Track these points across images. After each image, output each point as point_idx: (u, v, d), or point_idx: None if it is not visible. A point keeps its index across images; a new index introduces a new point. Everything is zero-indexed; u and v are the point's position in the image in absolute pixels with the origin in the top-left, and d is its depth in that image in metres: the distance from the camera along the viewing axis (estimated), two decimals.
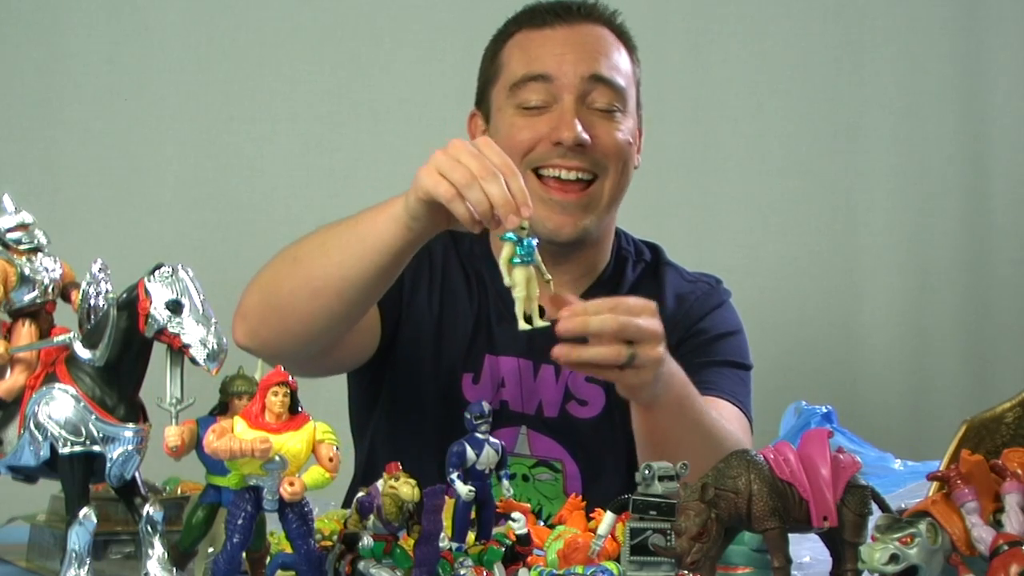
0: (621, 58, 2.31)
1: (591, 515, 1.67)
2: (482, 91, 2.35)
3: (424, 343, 2.31)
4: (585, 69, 2.25)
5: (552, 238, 2.23)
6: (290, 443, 1.42)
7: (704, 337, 2.36)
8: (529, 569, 1.59)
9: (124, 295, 1.46)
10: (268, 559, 1.53)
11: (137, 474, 1.50)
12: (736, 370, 2.35)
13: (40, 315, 1.54)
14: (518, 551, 1.61)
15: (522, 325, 1.83)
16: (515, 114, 2.26)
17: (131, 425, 1.47)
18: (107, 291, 1.47)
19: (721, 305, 2.42)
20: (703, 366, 2.28)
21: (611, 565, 1.56)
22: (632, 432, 2.18)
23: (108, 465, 1.47)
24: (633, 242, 2.44)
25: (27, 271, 1.52)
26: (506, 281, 1.80)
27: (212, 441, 1.39)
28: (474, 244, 2.36)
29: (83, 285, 1.48)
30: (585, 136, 2.21)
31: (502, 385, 2.28)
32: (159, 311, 1.44)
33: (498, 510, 1.65)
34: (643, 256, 2.44)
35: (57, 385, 1.47)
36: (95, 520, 1.47)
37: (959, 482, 1.47)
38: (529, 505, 1.71)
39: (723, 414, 2.20)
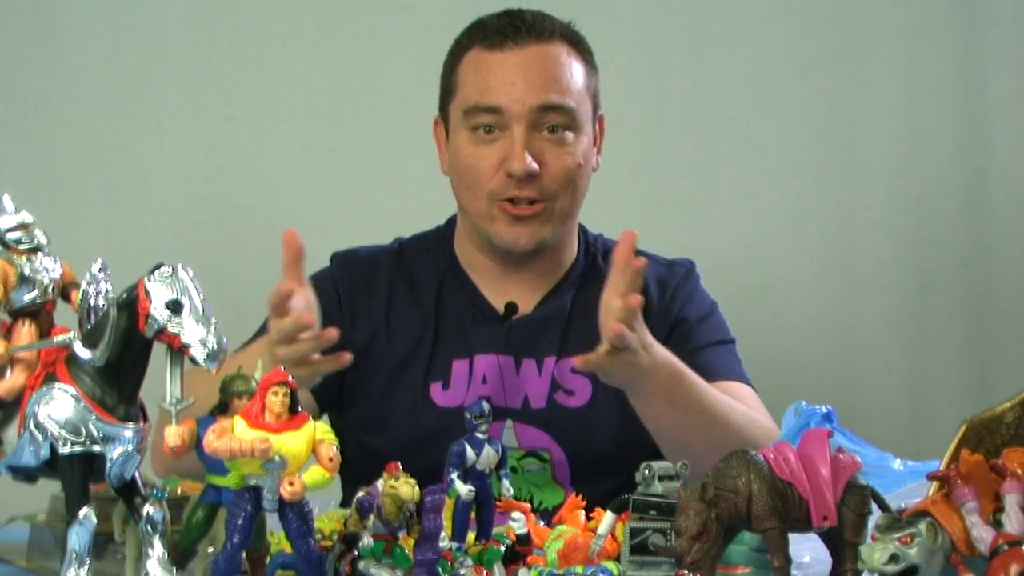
0: (573, 75, 2.34)
1: (591, 515, 1.67)
2: (443, 101, 2.40)
3: (377, 370, 2.36)
4: (535, 99, 2.29)
5: (510, 248, 2.33)
6: (290, 443, 1.42)
7: (690, 322, 2.41)
8: (529, 569, 1.59)
9: (124, 295, 1.46)
10: (268, 559, 1.53)
11: (137, 474, 1.51)
12: (725, 346, 2.43)
13: (40, 315, 1.54)
14: (518, 551, 1.61)
15: None
16: (469, 139, 2.32)
17: (131, 425, 1.47)
18: (107, 291, 1.47)
19: (697, 287, 2.48)
20: (694, 352, 2.34)
21: (611, 565, 1.56)
22: (620, 419, 2.30)
23: (108, 465, 1.47)
24: (600, 238, 2.49)
25: (27, 271, 1.52)
26: None
27: (212, 441, 1.40)
28: (429, 256, 2.43)
29: (83, 285, 1.48)
30: (535, 167, 2.28)
31: (484, 382, 2.32)
32: (159, 311, 1.44)
33: (498, 510, 1.65)
34: (612, 248, 2.47)
35: (57, 385, 1.47)
36: (95, 520, 1.47)
37: (959, 482, 1.47)
38: (529, 505, 1.71)
39: (736, 395, 2.29)
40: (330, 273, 2.43)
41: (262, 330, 2.23)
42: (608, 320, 2.04)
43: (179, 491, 1.75)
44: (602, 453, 2.32)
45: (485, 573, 1.55)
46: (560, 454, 2.32)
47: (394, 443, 2.28)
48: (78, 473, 1.46)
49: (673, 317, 2.41)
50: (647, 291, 2.37)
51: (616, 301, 2.04)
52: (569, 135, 2.31)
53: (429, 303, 2.39)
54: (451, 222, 2.48)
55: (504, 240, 2.32)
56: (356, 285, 2.41)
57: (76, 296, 1.50)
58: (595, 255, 2.46)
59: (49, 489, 1.72)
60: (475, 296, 2.40)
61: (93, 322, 1.47)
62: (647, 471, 1.55)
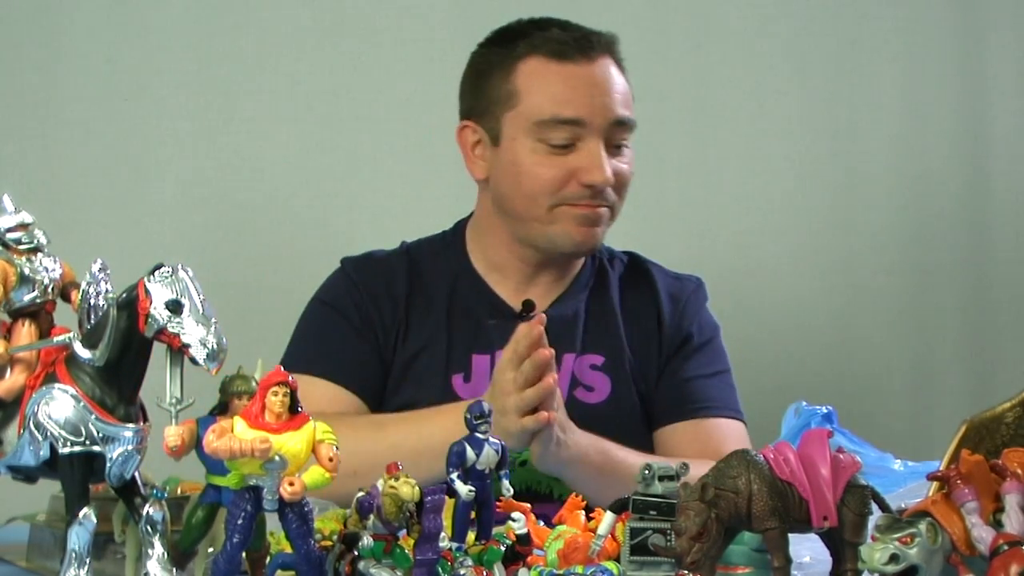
0: (629, 90, 2.40)
1: (591, 515, 1.67)
2: (485, 108, 2.38)
3: (396, 366, 2.40)
4: (612, 114, 2.34)
5: (575, 249, 2.37)
6: (290, 443, 1.42)
7: (692, 345, 2.47)
8: (529, 569, 1.59)
9: (124, 295, 1.46)
10: (268, 559, 1.53)
11: (137, 474, 1.50)
12: (721, 376, 2.48)
13: (40, 315, 1.54)
14: (518, 551, 1.61)
15: None
16: (539, 150, 2.33)
17: (131, 425, 1.47)
18: (107, 291, 1.47)
19: (704, 306, 2.53)
20: (691, 380, 2.43)
21: (611, 565, 1.56)
22: (636, 417, 2.39)
23: (108, 465, 1.47)
24: (605, 246, 2.51)
25: (27, 271, 1.52)
26: None
27: (212, 441, 1.39)
28: (438, 259, 2.46)
29: (83, 285, 1.48)
30: (612, 179, 2.32)
31: None
32: (159, 311, 1.44)
33: (498, 510, 1.65)
34: (617, 256, 2.54)
35: (57, 385, 1.47)
36: (95, 520, 1.47)
37: (959, 482, 1.47)
38: (528, 505, 1.71)
39: (723, 433, 2.38)
40: (347, 275, 2.45)
41: (322, 368, 2.33)
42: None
43: (179, 491, 1.75)
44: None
45: (485, 573, 1.55)
46: None
47: None
48: (78, 473, 1.46)
49: (683, 333, 2.47)
50: (658, 302, 2.46)
51: (529, 392, 2.08)
52: (627, 147, 2.38)
53: (441, 302, 2.42)
54: (458, 229, 2.50)
55: (573, 239, 2.35)
56: (376, 289, 2.42)
57: (76, 296, 1.50)
58: (601, 259, 2.50)
59: (49, 489, 1.72)
60: (490, 296, 2.43)
61: (93, 322, 1.47)
62: (647, 471, 1.55)
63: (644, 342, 2.45)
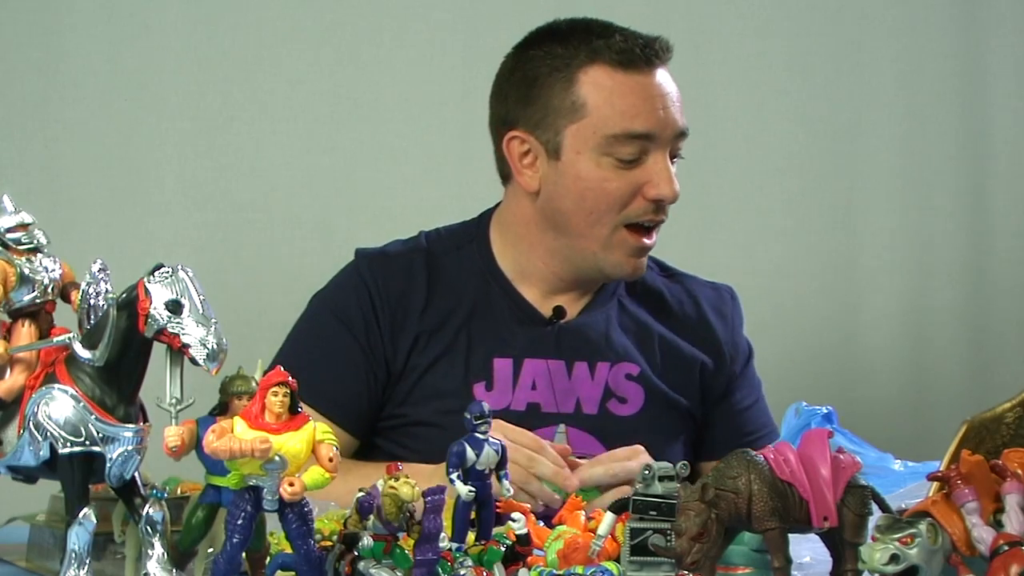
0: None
1: (591, 515, 1.67)
2: (541, 119, 2.27)
3: (416, 371, 2.32)
4: (677, 127, 2.29)
5: (622, 279, 2.34)
6: (290, 443, 1.42)
7: (745, 366, 2.46)
8: (529, 569, 1.59)
9: (124, 295, 1.46)
10: (268, 559, 1.53)
11: (137, 474, 1.50)
12: (761, 396, 2.49)
13: (40, 315, 1.54)
14: (518, 551, 1.61)
15: None
16: (604, 164, 2.24)
17: (131, 425, 1.47)
18: (107, 291, 1.47)
19: (743, 320, 2.50)
20: (751, 409, 2.45)
21: (611, 565, 1.56)
22: (668, 430, 2.34)
23: (108, 465, 1.47)
24: None
25: (27, 271, 1.52)
26: None
27: (212, 441, 1.39)
28: (461, 252, 2.38)
29: (83, 285, 1.48)
30: (679, 193, 2.29)
31: (533, 388, 2.30)
32: (159, 311, 1.44)
33: (498, 510, 1.65)
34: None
35: (57, 385, 1.47)
36: (95, 520, 1.47)
37: (959, 482, 1.47)
38: (528, 506, 1.70)
39: None
40: (359, 275, 2.35)
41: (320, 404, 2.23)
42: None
43: (179, 491, 1.75)
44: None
45: (485, 573, 1.55)
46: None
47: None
48: (78, 473, 1.46)
49: (741, 356, 2.46)
50: (706, 319, 2.43)
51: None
52: (682, 157, 2.34)
53: (464, 305, 2.33)
54: (483, 223, 2.41)
55: (624, 271, 2.29)
56: (391, 287, 2.33)
57: (76, 296, 1.50)
58: None
59: (49, 489, 1.72)
60: (517, 299, 2.35)
61: (93, 322, 1.47)
62: (647, 471, 1.55)
63: (684, 355, 2.39)
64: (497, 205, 2.42)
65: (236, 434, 1.40)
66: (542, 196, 2.30)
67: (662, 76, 2.28)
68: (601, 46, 2.26)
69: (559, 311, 2.34)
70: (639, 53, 2.25)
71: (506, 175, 2.36)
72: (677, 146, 2.31)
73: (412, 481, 1.49)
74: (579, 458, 2.23)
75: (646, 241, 2.28)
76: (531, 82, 2.29)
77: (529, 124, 2.28)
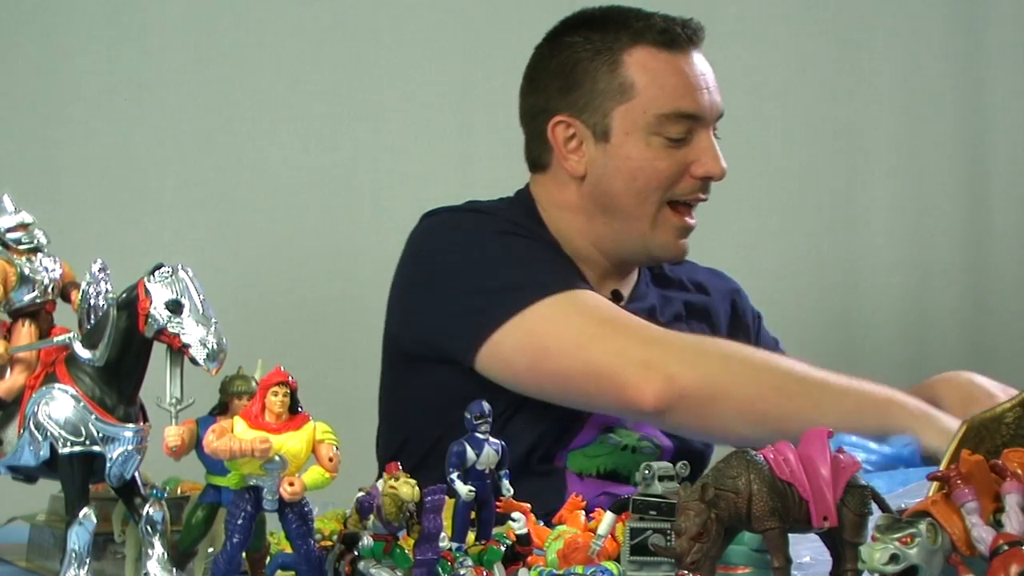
0: None
1: (591, 515, 1.67)
2: (588, 102, 2.29)
3: None
4: (719, 107, 2.32)
5: (668, 260, 2.39)
6: (290, 443, 1.42)
7: (753, 314, 2.58)
8: (529, 569, 1.59)
9: (124, 295, 1.46)
10: (268, 559, 1.53)
11: (137, 474, 1.50)
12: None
13: (40, 315, 1.54)
14: (518, 551, 1.61)
15: None
16: (654, 144, 2.26)
17: (131, 425, 1.47)
18: (107, 291, 1.47)
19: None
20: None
21: (611, 565, 1.56)
22: None
23: (108, 465, 1.47)
24: None
25: (27, 271, 1.52)
26: None
27: (212, 441, 1.39)
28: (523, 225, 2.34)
29: (83, 285, 1.48)
30: (726, 170, 2.32)
31: None
32: (159, 311, 1.44)
33: (498, 510, 1.65)
34: None
35: (57, 385, 1.47)
36: (95, 520, 1.47)
37: (959, 482, 1.47)
38: (528, 506, 1.71)
39: None
40: (491, 215, 2.32)
41: None
42: None
43: (179, 491, 1.75)
44: (698, 448, 2.36)
45: (485, 573, 1.55)
46: (667, 442, 2.34)
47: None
48: (78, 473, 1.46)
49: (744, 298, 2.57)
50: (706, 285, 2.51)
51: None
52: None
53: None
54: (522, 202, 2.40)
55: (670, 251, 2.33)
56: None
57: (76, 296, 1.50)
58: None
59: (49, 489, 1.72)
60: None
61: (93, 322, 1.47)
62: (647, 471, 1.55)
63: (713, 316, 2.49)
64: (517, 193, 2.42)
65: (236, 434, 1.40)
66: (589, 180, 2.31)
67: (699, 57, 2.32)
68: (643, 27, 2.28)
69: (616, 295, 2.37)
70: (680, 33, 2.29)
71: (543, 164, 2.36)
72: (715, 127, 2.34)
73: (412, 481, 1.49)
74: (643, 436, 2.31)
75: (688, 220, 2.33)
76: (571, 68, 2.30)
77: (574, 109, 2.30)
